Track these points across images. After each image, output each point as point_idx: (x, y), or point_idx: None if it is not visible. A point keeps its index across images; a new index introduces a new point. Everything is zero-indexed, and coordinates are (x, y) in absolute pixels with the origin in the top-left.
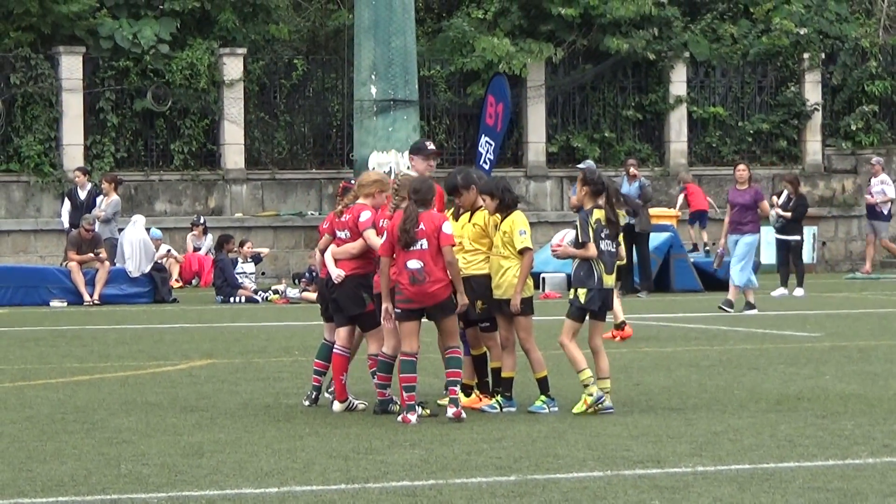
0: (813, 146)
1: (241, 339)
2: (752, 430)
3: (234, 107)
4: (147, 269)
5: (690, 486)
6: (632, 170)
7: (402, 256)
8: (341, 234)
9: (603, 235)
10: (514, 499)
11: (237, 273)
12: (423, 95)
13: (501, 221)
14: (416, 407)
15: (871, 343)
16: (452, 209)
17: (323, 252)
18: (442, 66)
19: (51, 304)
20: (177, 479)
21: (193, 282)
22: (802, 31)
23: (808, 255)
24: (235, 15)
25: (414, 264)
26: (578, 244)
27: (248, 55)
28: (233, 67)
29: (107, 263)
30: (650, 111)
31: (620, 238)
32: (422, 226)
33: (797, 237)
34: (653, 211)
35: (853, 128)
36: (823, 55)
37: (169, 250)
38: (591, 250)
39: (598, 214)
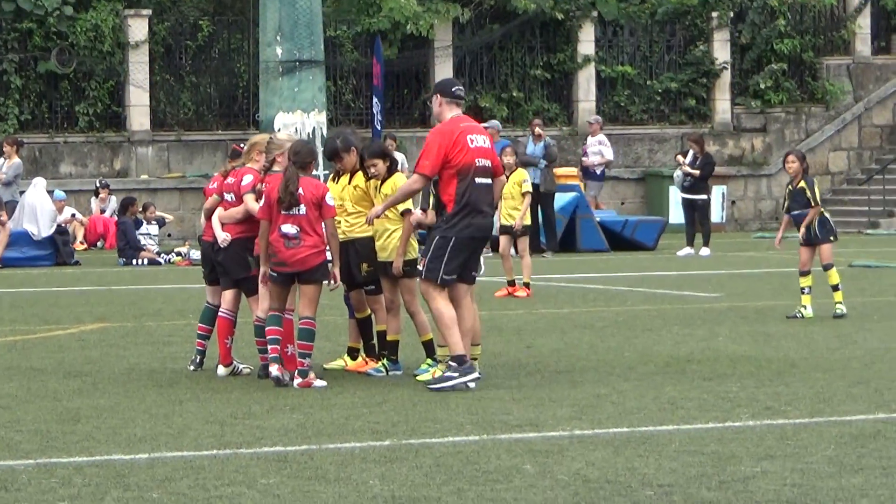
0: (722, 105)
1: (137, 301)
2: (636, 393)
3: (139, 69)
4: (49, 233)
5: (565, 450)
6: (537, 129)
7: (278, 219)
8: (228, 197)
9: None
10: (385, 464)
11: (141, 235)
12: (330, 56)
13: (382, 184)
14: (279, 360)
15: (769, 303)
16: (333, 172)
17: (208, 215)
18: (349, 26)
19: None
20: (48, 446)
21: (98, 244)
22: None
23: (717, 215)
24: None
25: (289, 228)
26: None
27: (153, 16)
28: (137, 29)
29: (8, 226)
30: (558, 71)
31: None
32: (301, 190)
33: (703, 196)
34: (560, 171)
35: (762, 86)
36: (732, 14)
37: (74, 214)
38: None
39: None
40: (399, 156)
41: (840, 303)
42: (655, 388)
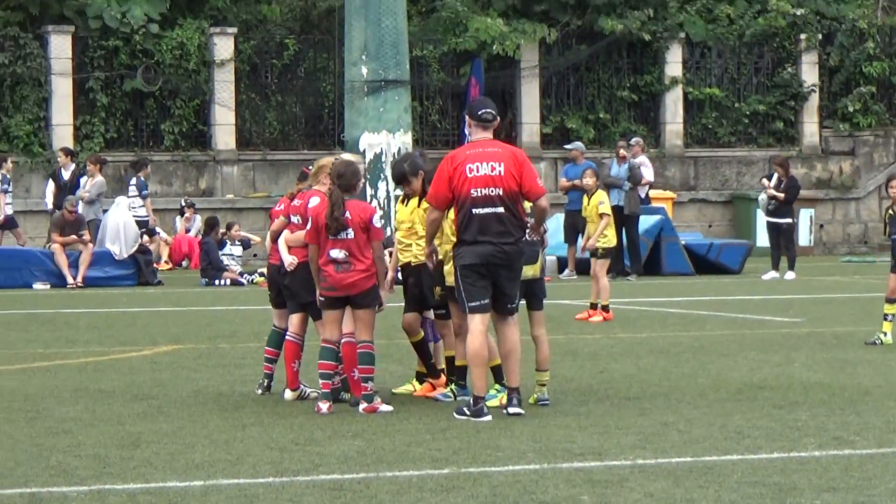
0: (810, 128)
1: (214, 323)
2: (704, 421)
3: (224, 88)
4: (131, 252)
5: (625, 480)
6: (621, 151)
7: (327, 244)
8: (294, 220)
9: None
10: (440, 493)
11: (224, 255)
12: (416, 76)
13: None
14: (331, 396)
15: (849, 329)
16: (402, 195)
17: (275, 238)
18: (435, 46)
19: (34, 286)
20: (104, 472)
21: (183, 264)
22: (799, 12)
23: (804, 238)
24: None
25: (338, 253)
26: None
27: (239, 35)
28: (223, 47)
29: (90, 245)
30: (645, 92)
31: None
32: (347, 214)
33: (788, 220)
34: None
35: (850, 109)
36: (820, 36)
37: (158, 232)
38: None
39: None
40: None
41: None
42: (724, 416)
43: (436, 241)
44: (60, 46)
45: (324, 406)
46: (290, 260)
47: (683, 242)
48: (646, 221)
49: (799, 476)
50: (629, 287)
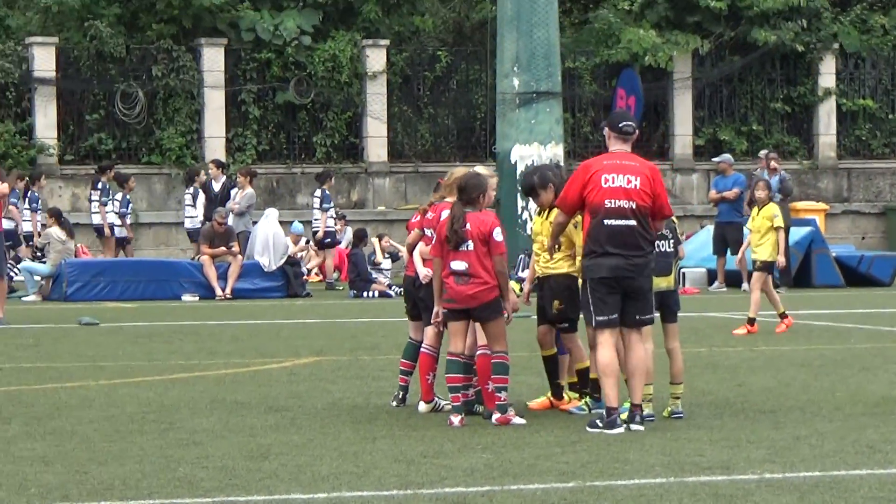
0: None
1: (358, 335)
2: (837, 435)
3: (376, 100)
4: (280, 263)
5: (751, 494)
6: (772, 163)
7: (448, 256)
8: (428, 232)
9: None
10: None
11: (373, 267)
12: (568, 87)
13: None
14: (462, 409)
15: None
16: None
17: (410, 250)
18: (587, 57)
19: (182, 298)
20: (229, 484)
21: (335, 275)
22: None
23: None
24: (379, 6)
25: (458, 265)
26: None
27: (391, 47)
28: (375, 59)
29: (239, 257)
30: (798, 104)
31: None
32: (468, 226)
33: None
34: (799, 205)
35: None
36: None
37: (308, 241)
38: None
39: None
40: None
41: None
42: (858, 431)
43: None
44: (213, 59)
45: (455, 419)
46: (424, 272)
47: (834, 254)
48: (796, 233)
49: None
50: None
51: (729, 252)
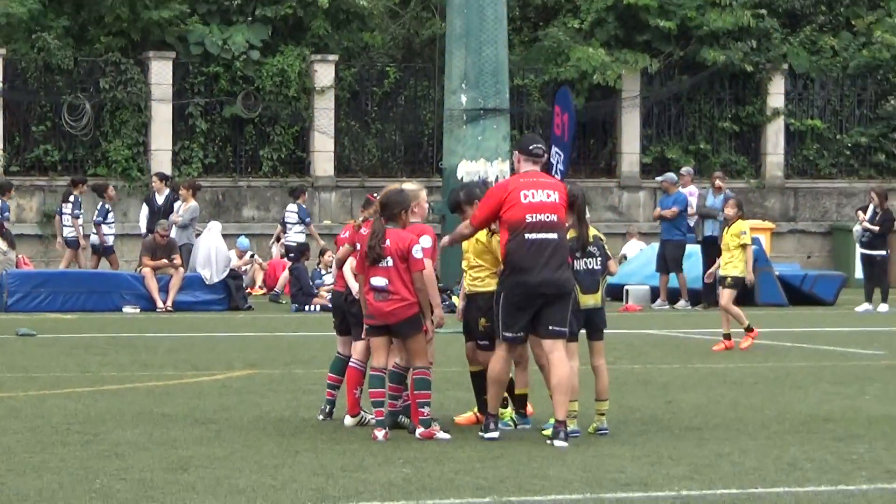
0: None
1: (294, 348)
2: (759, 453)
3: (324, 115)
4: (222, 277)
5: None
6: (717, 182)
7: (369, 272)
8: (359, 247)
9: (578, 255)
10: None
11: (317, 282)
12: (516, 104)
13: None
14: (386, 423)
15: None
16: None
17: (340, 265)
18: (536, 75)
19: (123, 309)
20: (145, 496)
21: (277, 289)
22: None
23: None
24: (328, 22)
25: (378, 281)
26: None
27: (340, 62)
28: (324, 74)
29: (181, 270)
30: (747, 123)
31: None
32: (388, 242)
33: (882, 252)
34: (747, 223)
35: None
36: None
37: (253, 255)
38: None
39: (573, 233)
40: None
41: None
42: (781, 448)
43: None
44: (161, 72)
45: (379, 433)
46: (356, 288)
47: (777, 273)
48: None
49: None
50: (719, 318)
51: (671, 270)
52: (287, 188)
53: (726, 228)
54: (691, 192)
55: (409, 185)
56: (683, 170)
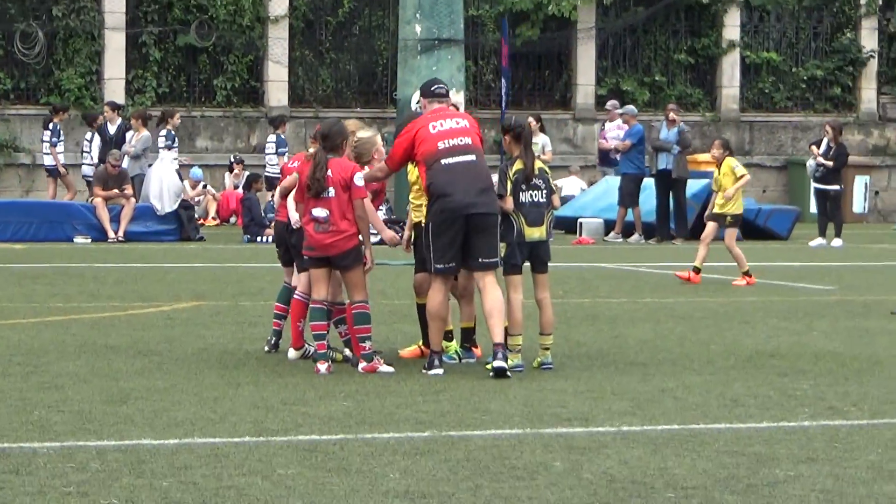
0: (868, 94)
1: (244, 279)
2: (703, 389)
3: (278, 44)
4: (173, 208)
5: (605, 447)
6: (671, 115)
7: (309, 203)
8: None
9: (523, 187)
10: (413, 457)
11: (269, 216)
12: (471, 35)
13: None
14: (329, 356)
15: (881, 298)
16: None
17: (284, 194)
18: (491, 5)
19: (75, 240)
20: (81, 428)
21: (231, 220)
22: None
23: (859, 205)
24: None
25: (319, 212)
26: (497, 197)
27: None
28: (278, 3)
29: (132, 200)
30: (702, 55)
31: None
32: (329, 172)
33: (836, 187)
34: (700, 157)
35: None
36: (881, 1)
37: (206, 186)
38: (508, 204)
39: (519, 164)
40: (543, 137)
41: None
42: (725, 384)
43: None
44: (114, 0)
45: (322, 366)
46: (296, 218)
47: None
48: (694, 185)
49: (781, 446)
50: (672, 251)
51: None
52: (268, 118)
53: (716, 169)
54: (620, 126)
55: (364, 133)
56: (609, 104)
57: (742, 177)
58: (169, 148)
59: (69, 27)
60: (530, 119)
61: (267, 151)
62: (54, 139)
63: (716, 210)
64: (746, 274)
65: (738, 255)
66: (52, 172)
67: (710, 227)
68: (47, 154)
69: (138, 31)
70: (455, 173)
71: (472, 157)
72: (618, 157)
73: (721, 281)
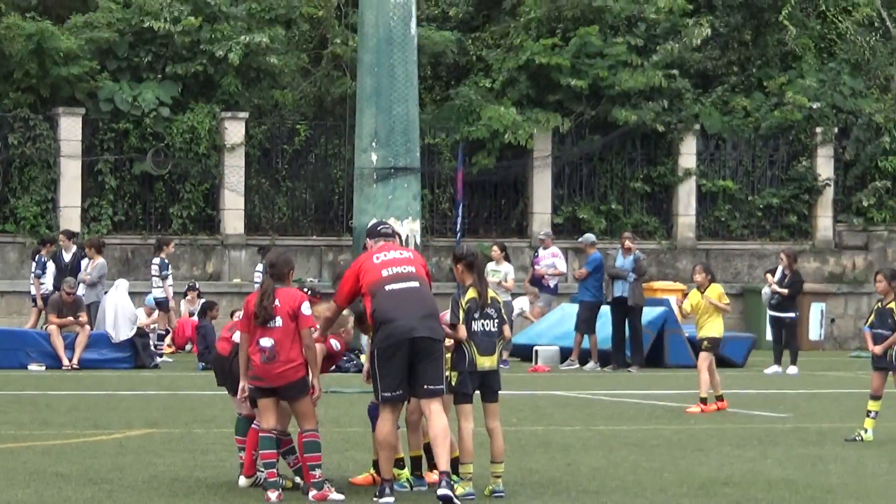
0: (824, 222)
1: (197, 407)
2: None
3: (234, 172)
4: (129, 335)
5: None
6: (626, 242)
7: (256, 333)
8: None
9: (476, 315)
10: None
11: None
12: (427, 163)
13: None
14: (279, 484)
15: (835, 425)
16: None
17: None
18: (448, 134)
19: (29, 367)
20: None
21: (187, 347)
22: (815, 105)
23: (815, 332)
24: (239, 79)
25: (266, 342)
26: (450, 326)
27: (250, 119)
28: (234, 131)
29: (87, 327)
30: (658, 183)
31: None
32: (277, 302)
33: (791, 314)
34: (657, 284)
35: (865, 204)
36: (837, 130)
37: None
38: (461, 332)
39: (472, 293)
40: (507, 266)
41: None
42: None
43: None
44: (70, 128)
45: (272, 495)
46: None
47: (687, 335)
48: (650, 313)
49: None
50: (628, 379)
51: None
52: (158, 241)
53: (700, 293)
54: (554, 254)
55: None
56: (542, 233)
57: (727, 304)
58: (163, 277)
59: (25, 155)
60: (494, 248)
61: (152, 273)
62: (38, 271)
63: (698, 334)
64: (719, 398)
65: (714, 381)
66: (36, 302)
67: (702, 354)
68: (32, 284)
69: (94, 160)
70: (399, 299)
71: (416, 284)
72: (551, 283)
73: (674, 409)
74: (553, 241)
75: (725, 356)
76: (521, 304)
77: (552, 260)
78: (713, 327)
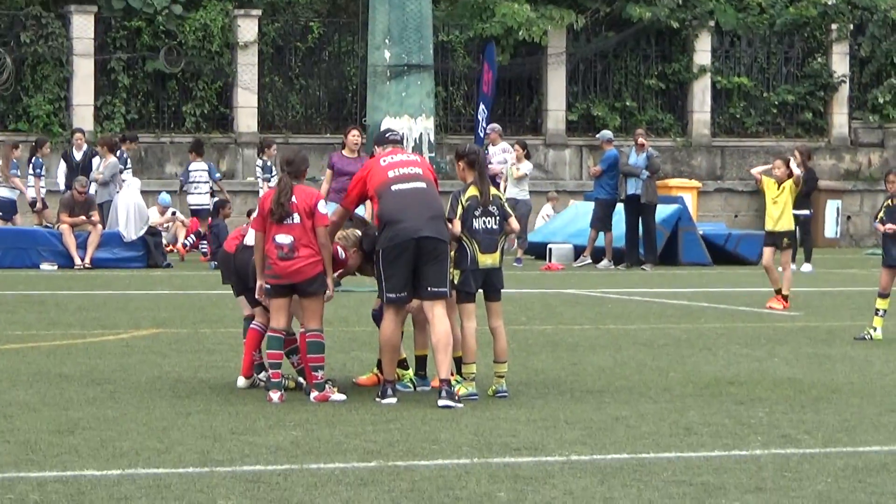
0: (839, 119)
1: (206, 307)
2: (657, 417)
3: (247, 70)
4: (140, 234)
5: (551, 476)
6: (640, 139)
7: (272, 230)
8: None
9: (477, 213)
10: (356, 487)
11: None
12: (441, 61)
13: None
14: (282, 385)
15: (845, 324)
16: None
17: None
18: (461, 31)
19: (41, 266)
20: (25, 459)
21: (200, 246)
22: (831, 2)
23: (831, 230)
24: None
25: (283, 239)
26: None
27: (264, 17)
28: (247, 29)
29: (99, 227)
30: (673, 80)
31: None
32: (294, 199)
33: (805, 212)
34: (672, 182)
35: (881, 100)
36: (852, 26)
37: (174, 213)
38: (455, 227)
39: (473, 191)
40: (527, 165)
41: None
42: (679, 412)
43: None
44: (83, 26)
45: (274, 395)
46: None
47: (701, 232)
48: (663, 211)
49: (730, 475)
50: (641, 277)
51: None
52: (261, 142)
53: (777, 186)
54: (504, 149)
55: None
56: (489, 127)
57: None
58: (267, 180)
59: (37, 53)
60: (517, 146)
61: (257, 175)
62: (37, 171)
63: (776, 228)
64: (785, 298)
65: (788, 277)
66: (34, 204)
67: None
68: (31, 187)
69: (107, 58)
70: (405, 199)
71: (422, 185)
72: (501, 182)
73: (686, 307)
74: (501, 137)
75: (739, 254)
76: (547, 210)
77: (503, 156)
78: (790, 221)
